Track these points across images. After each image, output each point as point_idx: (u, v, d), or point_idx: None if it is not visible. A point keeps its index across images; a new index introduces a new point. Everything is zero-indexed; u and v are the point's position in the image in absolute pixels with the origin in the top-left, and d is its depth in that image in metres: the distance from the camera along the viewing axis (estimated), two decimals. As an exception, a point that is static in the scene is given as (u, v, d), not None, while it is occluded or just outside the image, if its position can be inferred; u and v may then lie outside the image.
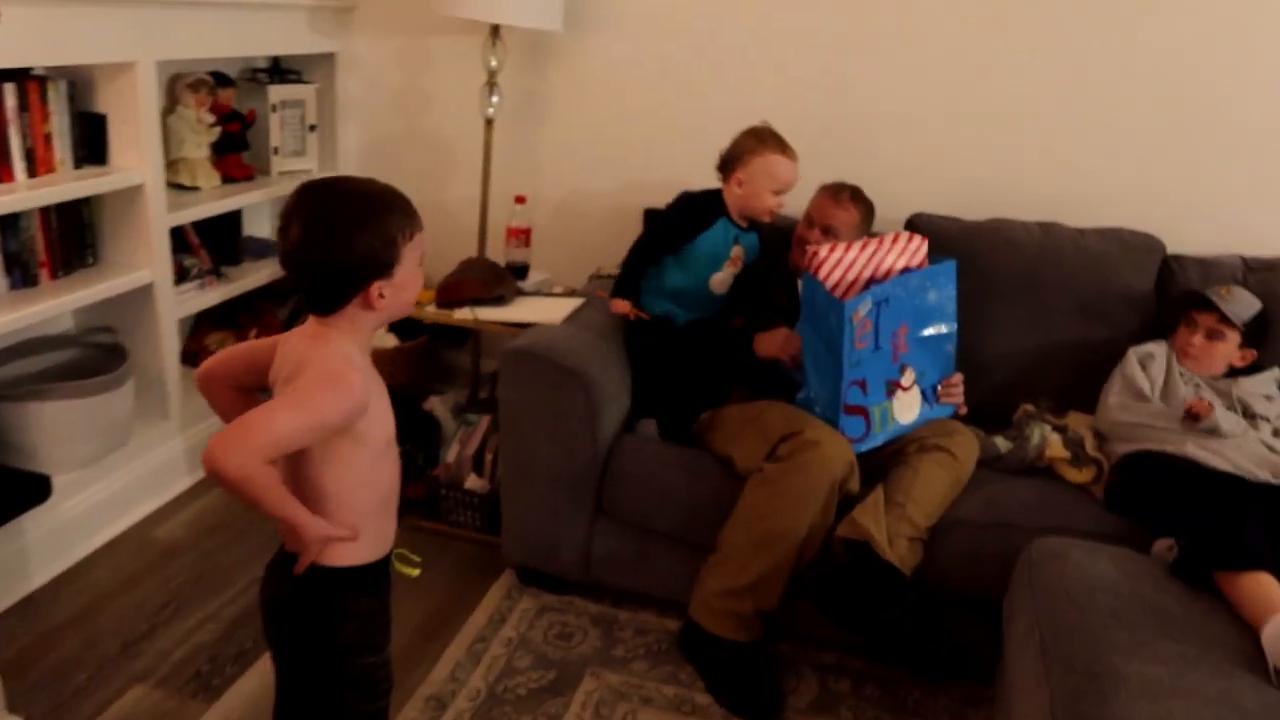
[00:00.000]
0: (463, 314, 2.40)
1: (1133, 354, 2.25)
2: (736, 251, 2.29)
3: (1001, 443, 2.21)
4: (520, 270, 2.69)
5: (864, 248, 2.01)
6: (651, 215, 2.66)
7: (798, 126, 2.43)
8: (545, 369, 2.11)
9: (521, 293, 2.55)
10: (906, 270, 2.05)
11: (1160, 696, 1.37)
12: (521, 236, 2.69)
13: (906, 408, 2.08)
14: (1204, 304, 2.18)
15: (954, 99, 2.60)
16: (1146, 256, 2.39)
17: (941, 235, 2.40)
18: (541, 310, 2.39)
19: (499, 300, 2.46)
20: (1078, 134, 2.55)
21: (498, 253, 2.77)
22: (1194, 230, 2.46)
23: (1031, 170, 2.60)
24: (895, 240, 2.05)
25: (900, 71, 2.61)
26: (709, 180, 2.56)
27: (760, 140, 2.23)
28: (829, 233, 2.22)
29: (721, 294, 2.31)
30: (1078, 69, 2.50)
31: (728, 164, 2.27)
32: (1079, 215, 2.47)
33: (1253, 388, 2.19)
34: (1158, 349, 2.23)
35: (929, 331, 2.07)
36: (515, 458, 2.22)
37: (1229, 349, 2.18)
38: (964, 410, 2.18)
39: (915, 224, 2.50)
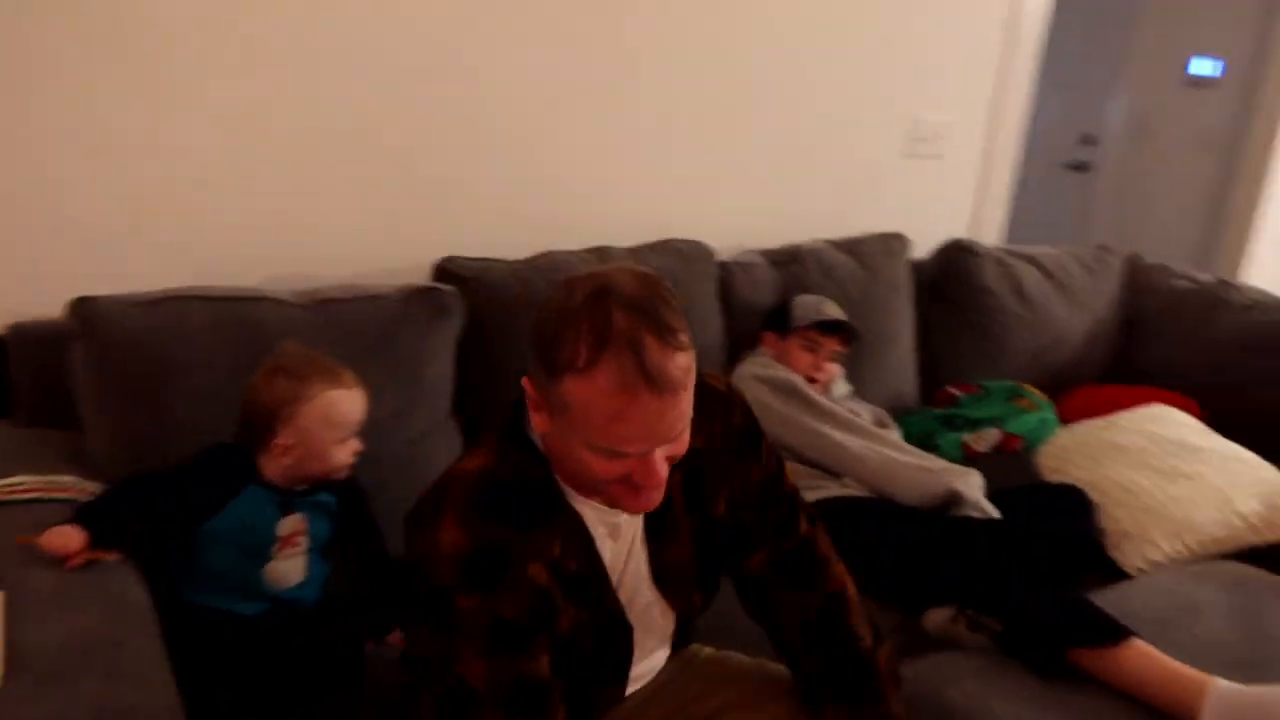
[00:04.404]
0: None
1: (788, 381, 1.85)
2: (294, 523, 1.40)
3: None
4: None
5: None
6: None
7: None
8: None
9: None
10: None
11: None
12: None
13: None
14: (828, 326, 1.95)
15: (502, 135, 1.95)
16: (705, 264, 2.10)
17: (485, 277, 1.82)
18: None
19: None
20: (611, 154, 2.12)
21: None
22: (721, 230, 2.23)
23: (574, 198, 2.11)
24: None
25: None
26: (140, 271, 1.66)
27: (300, 380, 1.38)
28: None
29: (290, 588, 1.39)
30: (603, 92, 2.06)
31: (257, 430, 1.38)
32: (628, 235, 2.07)
33: (840, 391, 2.05)
34: (783, 370, 1.92)
35: None
36: None
37: (841, 363, 2.01)
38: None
39: (449, 270, 1.84)
